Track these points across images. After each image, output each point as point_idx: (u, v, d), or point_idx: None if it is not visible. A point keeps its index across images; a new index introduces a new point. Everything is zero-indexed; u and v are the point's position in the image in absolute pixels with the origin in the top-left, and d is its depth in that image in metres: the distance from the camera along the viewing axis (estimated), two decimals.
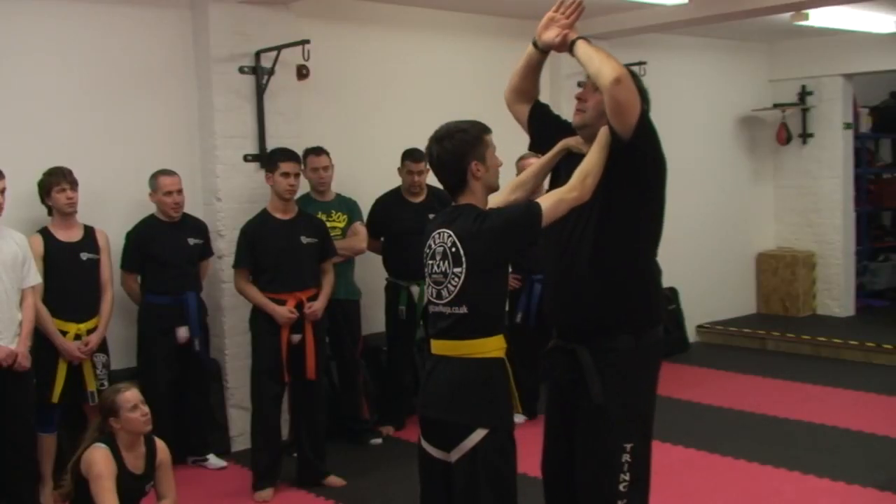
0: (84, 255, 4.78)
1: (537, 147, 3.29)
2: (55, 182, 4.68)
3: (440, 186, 3.14)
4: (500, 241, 2.86)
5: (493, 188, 3.01)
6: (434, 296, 2.96)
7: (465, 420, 2.87)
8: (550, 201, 2.85)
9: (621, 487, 2.94)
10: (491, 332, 2.91)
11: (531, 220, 2.83)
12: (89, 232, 4.85)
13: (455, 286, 2.87)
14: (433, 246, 2.96)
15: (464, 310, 2.87)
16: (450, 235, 2.90)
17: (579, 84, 3.08)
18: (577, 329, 3.05)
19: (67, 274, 4.68)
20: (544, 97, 8.16)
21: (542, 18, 3.13)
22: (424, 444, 3.02)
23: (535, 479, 4.89)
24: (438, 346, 2.97)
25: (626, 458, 2.94)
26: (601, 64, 2.83)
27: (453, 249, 2.88)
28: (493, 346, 2.91)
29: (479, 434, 2.85)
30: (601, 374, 2.95)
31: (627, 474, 2.95)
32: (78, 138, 5.22)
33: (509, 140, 6.61)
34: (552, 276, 3.18)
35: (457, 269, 2.86)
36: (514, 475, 2.95)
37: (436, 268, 2.93)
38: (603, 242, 2.95)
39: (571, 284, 3.02)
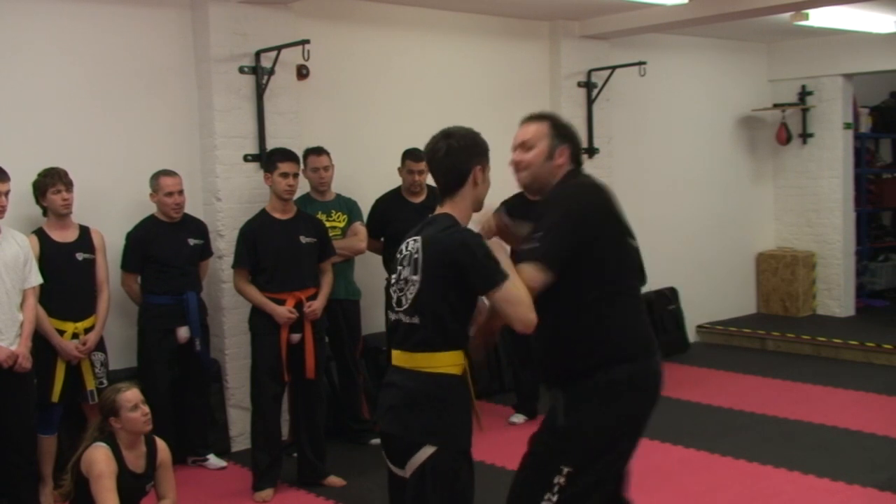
0: (80, 256, 4.77)
1: None
2: (51, 183, 4.67)
3: None
4: (450, 264, 2.75)
5: (480, 205, 2.98)
6: (396, 302, 2.88)
7: (412, 436, 2.79)
8: (515, 294, 2.72)
9: None
10: (444, 346, 2.78)
11: (488, 281, 2.73)
12: (85, 232, 4.85)
13: (412, 294, 2.81)
14: (404, 252, 2.90)
15: (416, 320, 2.80)
16: (418, 242, 2.85)
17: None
18: (549, 373, 3.08)
19: (63, 274, 4.68)
20: (544, 97, 8.19)
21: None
22: (385, 458, 2.95)
23: None
24: (395, 357, 2.89)
25: (558, 479, 2.87)
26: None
27: (416, 256, 2.83)
28: (446, 362, 2.79)
29: (426, 451, 2.76)
30: (571, 401, 2.94)
31: (556, 496, 2.86)
32: (78, 138, 5.22)
33: (510, 141, 6.65)
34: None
35: (414, 277, 2.81)
36: (467, 492, 2.84)
37: (402, 273, 2.86)
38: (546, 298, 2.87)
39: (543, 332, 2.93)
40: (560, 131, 3.07)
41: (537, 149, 3.03)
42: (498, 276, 2.73)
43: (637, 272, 3.06)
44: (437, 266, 2.77)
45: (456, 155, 2.88)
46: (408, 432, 2.80)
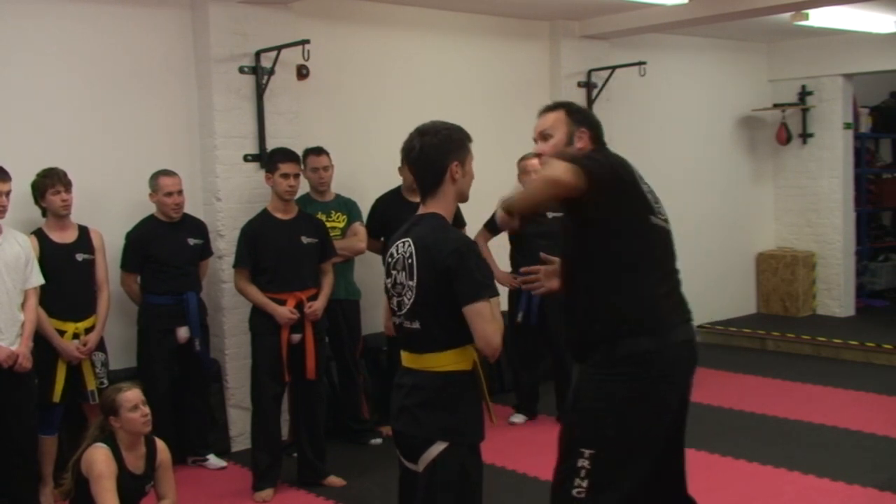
0: (79, 256, 4.77)
1: None
2: (50, 184, 4.66)
3: None
4: (443, 270, 2.74)
5: (464, 198, 2.94)
6: (395, 306, 2.88)
7: (424, 433, 2.82)
8: (490, 312, 2.75)
9: (574, 493, 2.85)
10: (449, 345, 2.80)
11: (470, 292, 2.73)
12: (84, 232, 4.85)
13: (409, 300, 2.81)
14: (395, 255, 2.89)
15: (416, 325, 2.82)
16: (409, 245, 2.83)
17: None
18: (570, 345, 3.13)
19: (63, 275, 4.67)
20: (544, 97, 8.20)
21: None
22: (398, 455, 2.98)
23: (535, 479, 4.89)
24: (404, 358, 2.92)
25: (582, 462, 2.85)
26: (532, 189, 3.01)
27: (409, 261, 2.81)
28: (452, 360, 2.81)
29: (438, 447, 2.80)
30: (581, 381, 2.99)
31: (585, 481, 2.84)
32: (78, 138, 5.22)
33: (510, 141, 6.67)
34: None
35: (410, 282, 2.81)
36: (476, 488, 2.86)
37: (398, 278, 2.86)
38: (571, 266, 3.08)
39: (564, 305, 3.13)
40: (576, 116, 3.10)
41: (556, 137, 3.06)
42: (483, 292, 2.74)
43: (660, 249, 3.06)
44: (430, 271, 2.77)
45: (430, 153, 2.83)
46: (421, 430, 2.83)
